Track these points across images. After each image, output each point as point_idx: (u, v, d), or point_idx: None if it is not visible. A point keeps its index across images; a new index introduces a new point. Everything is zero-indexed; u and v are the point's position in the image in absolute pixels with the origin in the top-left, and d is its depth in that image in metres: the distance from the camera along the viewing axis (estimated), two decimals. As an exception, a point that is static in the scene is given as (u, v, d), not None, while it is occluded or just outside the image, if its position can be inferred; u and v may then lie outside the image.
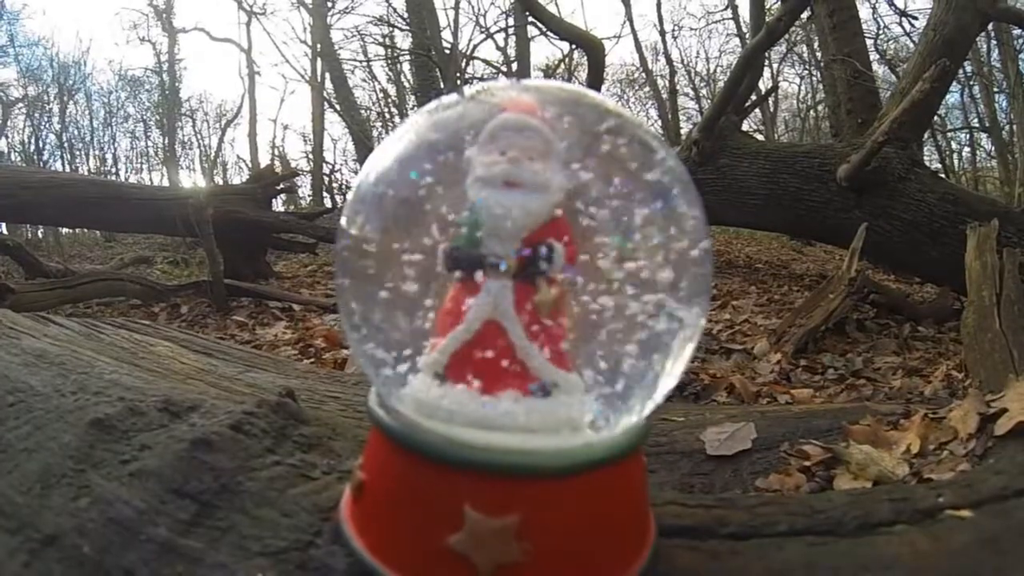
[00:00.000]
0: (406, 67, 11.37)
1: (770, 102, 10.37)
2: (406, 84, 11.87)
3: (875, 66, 7.63)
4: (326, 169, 12.02)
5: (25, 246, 4.89)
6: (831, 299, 3.14)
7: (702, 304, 0.22)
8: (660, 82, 12.95)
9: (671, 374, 0.23)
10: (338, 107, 10.48)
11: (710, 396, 2.52)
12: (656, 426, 0.53)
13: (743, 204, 4.63)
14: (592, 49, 5.51)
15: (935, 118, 7.17)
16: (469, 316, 0.21)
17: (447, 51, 9.41)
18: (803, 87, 12.45)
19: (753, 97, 5.20)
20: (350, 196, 0.24)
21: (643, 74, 13.10)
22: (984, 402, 0.55)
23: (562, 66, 11.23)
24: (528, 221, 0.20)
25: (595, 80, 5.59)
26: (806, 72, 11.75)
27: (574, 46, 7.25)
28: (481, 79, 12.01)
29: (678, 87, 12.90)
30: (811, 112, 11.86)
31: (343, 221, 0.24)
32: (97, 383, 0.38)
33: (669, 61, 12.80)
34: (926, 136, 7.02)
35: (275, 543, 0.23)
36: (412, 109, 11.55)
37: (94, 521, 0.24)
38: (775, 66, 11.45)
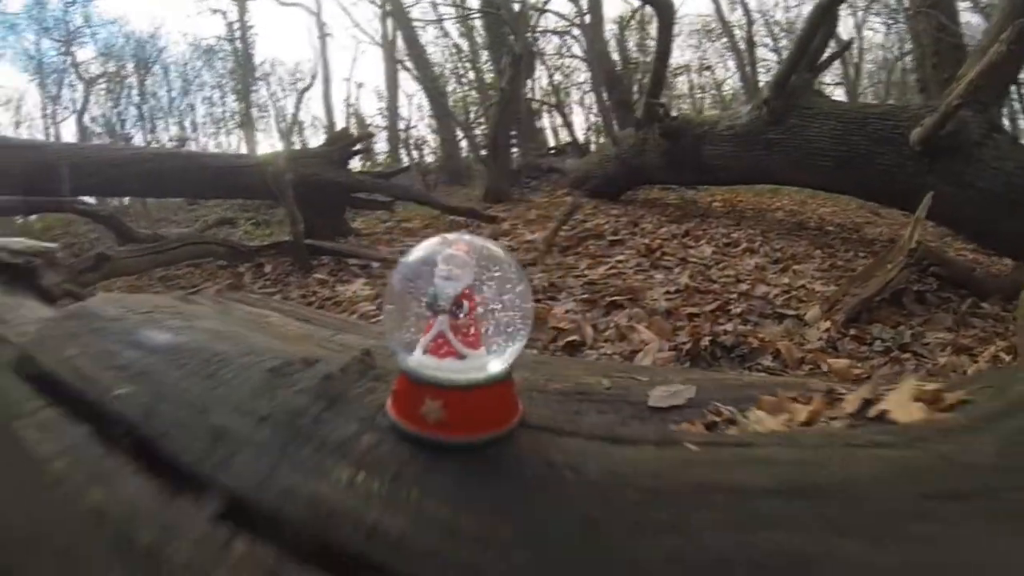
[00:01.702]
0: (478, 23, 11.24)
1: (854, 53, 9.60)
2: (479, 40, 11.75)
3: (968, 15, 6.89)
4: (401, 125, 11.97)
5: (115, 214, 5.12)
6: (888, 269, 3.04)
7: (525, 320, 0.47)
8: (737, 33, 12.29)
9: (515, 349, 0.47)
10: (410, 66, 10.58)
11: (756, 359, 2.58)
12: (622, 383, 0.69)
13: (813, 165, 4.46)
14: (662, 9, 5.38)
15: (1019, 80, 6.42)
16: (432, 328, 0.45)
17: (516, 7, 9.25)
18: (890, 36, 11.39)
19: (828, 52, 4.93)
20: (402, 264, 0.47)
21: (720, 24, 12.47)
22: (877, 388, 0.63)
23: (634, 20, 10.85)
24: (454, 294, 0.44)
25: (664, 40, 5.46)
26: (893, 21, 10.69)
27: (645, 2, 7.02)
28: (555, 32, 11.80)
29: (756, 38, 12.18)
30: (898, 64, 10.84)
31: (395, 275, 0.47)
32: (258, 347, 0.63)
33: (747, 11, 12.07)
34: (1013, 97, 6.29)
35: (360, 415, 0.48)
36: (486, 64, 11.47)
37: (280, 411, 0.50)
38: (860, 14, 10.55)
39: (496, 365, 0.45)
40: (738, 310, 2.98)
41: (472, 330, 0.44)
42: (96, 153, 5.68)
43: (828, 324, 2.91)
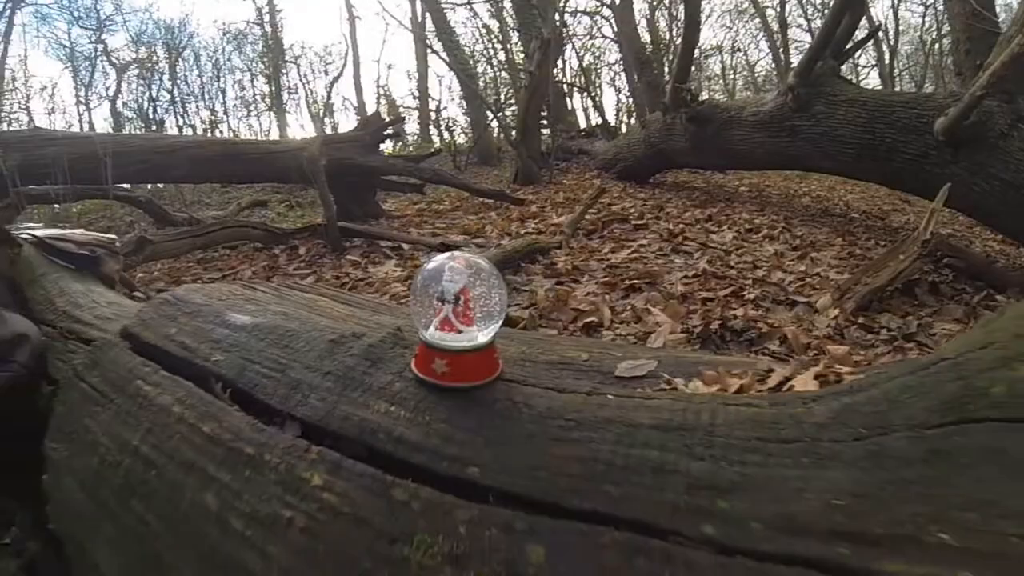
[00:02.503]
0: (507, 4, 11.15)
1: (889, 35, 9.29)
2: (509, 21, 11.66)
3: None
4: (432, 106, 12.03)
5: (152, 198, 5.37)
6: (901, 260, 3.07)
7: (501, 310, 0.65)
8: (770, 13, 11.99)
9: (494, 327, 0.65)
10: (440, 49, 10.58)
11: (763, 344, 2.66)
12: (598, 357, 0.77)
13: (838, 153, 4.40)
14: (688, -3, 5.38)
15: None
16: (441, 313, 0.63)
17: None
18: (927, 18, 10.89)
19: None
20: (422, 270, 0.66)
21: (752, 5, 12.17)
22: (797, 369, 0.73)
23: (662, 4, 10.69)
24: (456, 291, 0.61)
25: (691, 26, 5.48)
26: (930, 1, 10.22)
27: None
28: (585, 12, 11.71)
29: (789, 18, 11.85)
30: (935, 46, 10.40)
31: (418, 277, 0.67)
32: (319, 325, 0.82)
33: (780, -10, 11.73)
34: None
35: (393, 370, 0.68)
36: (516, 45, 11.46)
37: (339, 368, 0.70)
38: (896, -5, 10.10)
39: (482, 337, 0.66)
40: (752, 296, 3.04)
41: (466, 314, 0.65)
42: (141, 142, 5.92)
43: (837, 312, 2.91)
